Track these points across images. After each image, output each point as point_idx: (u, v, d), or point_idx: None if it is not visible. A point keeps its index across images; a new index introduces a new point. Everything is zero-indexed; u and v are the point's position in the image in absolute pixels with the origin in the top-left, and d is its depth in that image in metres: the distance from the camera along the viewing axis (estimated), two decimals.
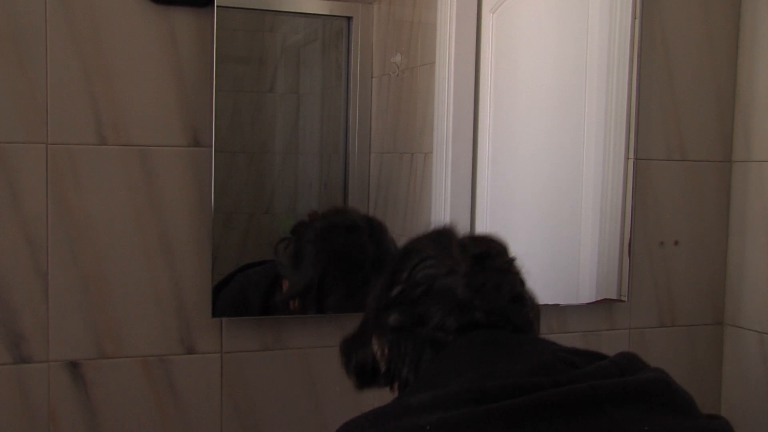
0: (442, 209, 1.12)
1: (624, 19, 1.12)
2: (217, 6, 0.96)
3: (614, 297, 1.17)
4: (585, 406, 0.54)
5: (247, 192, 1.05)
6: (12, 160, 0.91)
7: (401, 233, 1.12)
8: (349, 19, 1.09)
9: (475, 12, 1.16)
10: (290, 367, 1.04)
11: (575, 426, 0.52)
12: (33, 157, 0.92)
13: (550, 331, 1.14)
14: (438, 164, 1.12)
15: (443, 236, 0.73)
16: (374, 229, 1.02)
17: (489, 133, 1.16)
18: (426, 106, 1.12)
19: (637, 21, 1.12)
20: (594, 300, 1.17)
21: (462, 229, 0.75)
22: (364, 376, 0.74)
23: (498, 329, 0.67)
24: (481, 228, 1.13)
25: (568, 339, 1.16)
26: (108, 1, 0.93)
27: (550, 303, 1.13)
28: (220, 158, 0.99)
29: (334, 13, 1.09)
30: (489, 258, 0.69)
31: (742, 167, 1.20)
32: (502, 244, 0.73)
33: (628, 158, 1.14)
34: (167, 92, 0.96)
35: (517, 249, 0.75)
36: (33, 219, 0.92)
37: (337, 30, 1.09)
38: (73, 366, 0.95)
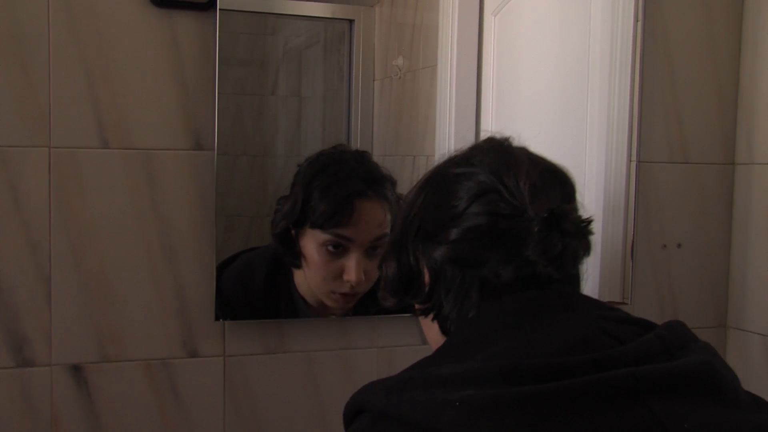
0: None
1: (626, 21, 1.12)
2: (220, 9, 0.96)
3: (617, 299, 1.17)
4: (622, 396, 0.49)
5: (249, 195, 1.05)
6: (15, 164, 0.91)
7: None
8: (350, 21, 1.09)
9: (477, 14, 1.16)
10: (293, 371, 1.04)
11: (610, 418, 0.48)
12: (36, 160, 0.92)
13: None
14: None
15: (507, 158, 0.63)
16: (360, 154, 1.01)
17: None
18: (428, 108, 1.12)
19: (639, 23, 1.12)
20: None
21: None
22: (398, 291, 0.66)
23: (548, 286, 0.60)
24: None
25: None
26: (110, 5, 0.93)
27: None
28: (222, 161, 0.99)
29: (335, 16, 1.09)
30: (566, 219, 0.59)
31: (744, 170, 1.19)
32: (574, 185, 0.65)
33: (630, 161, 1.14)
34: (169, 96, 0.96)
35: None
36: (36, 222, 0.92)
37: (338, 33, 1.09)
38: (76, 369, 0.95)
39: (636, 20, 1.12)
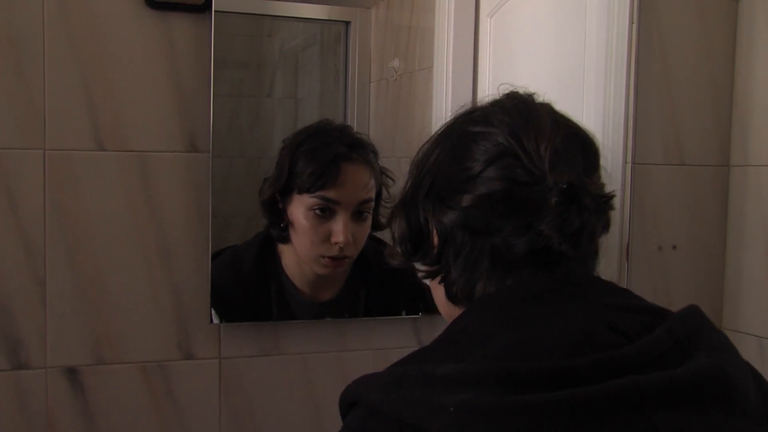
0: None
1: (621, 24, 1.12)
2: (215, 11, 0.96)
3: None
4: (624, 408, 0.46)
5: (245, 197, 1.05)
6: (10, 166, 0.91)
7: None
8: (347, 23, 1.09)
9: (473, 16, 1.16)
10: (288, 373, 1.04)
11: (611, 430, 0.45)
12: (31, 163, 0.92)
13: None
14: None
15: (529, 119, 0.58)
16: (344, 125, 1.02)
17: None
18: (424, 110, 1.12)
19: (635, 26, 1.13)
20: None
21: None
22: (409, 251, 0.63)
23: (562, 262, 0.57)
24: None
25: None
26: (105, 7, 0.93)
27: None
28: (218, 163, 0.99)
29: (332, 18, 1.09)
30: (587, 194, 0.55)
31: (739, 172, 1.20)
32: (596, 148, 0.61)
33: (626, 162, 1.14)
34: (165, 98, 0.96)
35: None
36: (31, 225, 0.92)
37: (335, 34, 1.09)
38: (71, 372, 0.95)
39: (631, 22, 1.12)
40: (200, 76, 0.97)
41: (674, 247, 1.20)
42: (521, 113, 0.59)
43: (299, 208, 0.97)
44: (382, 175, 1.02)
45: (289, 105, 1.08)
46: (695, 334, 0.53)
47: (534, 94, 0.62)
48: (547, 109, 0.61)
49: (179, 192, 0.97)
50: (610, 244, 1.16)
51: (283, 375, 1.04)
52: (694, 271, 1.21)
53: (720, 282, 1.23)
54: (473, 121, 0.61)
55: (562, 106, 1.22)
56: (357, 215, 0.99)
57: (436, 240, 0.61)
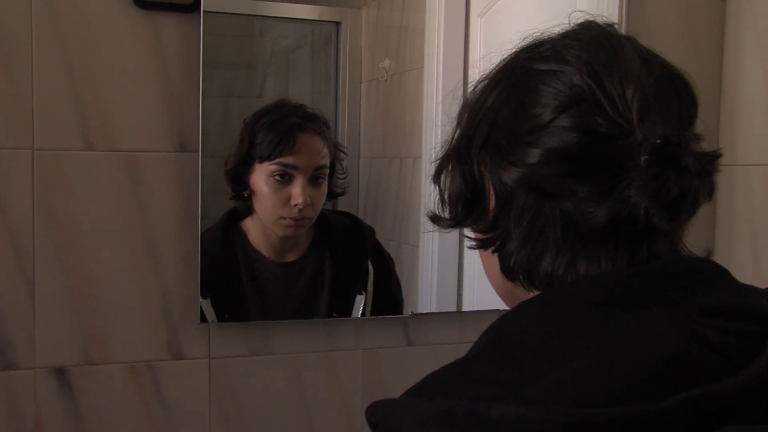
0: None
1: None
2: (204, 11, 0.96)
3: None
4: None
5: None
6: None
7: (390, 238, 1.12)
8: (337, 24, 1.09)
9: (464, 16, 1.17)
10: (278, 372, 1.04)
11: None
12: (19, 163, 0.91)
13: None
14: (427, 169, 1.12)
15: (613, 56, 0.47)
16: (300, 104, 1.07)
17: None
18: (415, 110, 1.13)
19: (623, 25, 1.13)
20: None
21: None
22: (460, 212, 0.53)
23: (647, 232, 0.45)
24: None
25: None
26: (94, 7, 0.93)
27: None
28: (209, 164, 0.99)
29: (322, 18, 1.09)
30: (687, 153, 0.44)
31: (727, 171, 1.20)
32: (695, 96, 0.50)
33: None
34: (154, 97, 0.96)
35: None
36: (19, 225, 0.92)
37: (325, 35, 1.10)
38: (60, 372, 0.95)
39: (620, 22, 1.13)
40: (189, 76, 0.97)
41: None
42: (603, 48, 0.48)
43: (260, 176, 1.03)
44: (335, 147, 1.08)
45: None
46: None
47: (615, 23, 0.51)
48: (633, 43, 0.49)
49: (168, 192, 0.97)
50: None
51: (272, 375, 1.04)
52: None
53: None
54: (541, 57, 0.49)
55: None
56: (313, 180, 1.04)
57: (493, 202, 0.50)
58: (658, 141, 0.44)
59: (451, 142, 0.53)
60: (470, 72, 1.17)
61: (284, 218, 1.04)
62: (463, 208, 0.53)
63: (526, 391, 0.40)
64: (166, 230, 0.97)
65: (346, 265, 1.10)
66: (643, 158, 0.44)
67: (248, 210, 1.05)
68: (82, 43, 0.93)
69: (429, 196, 0.57)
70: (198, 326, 1.00)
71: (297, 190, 1.02)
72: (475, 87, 0.53)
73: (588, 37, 0.49)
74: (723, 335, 0.42)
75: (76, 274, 0.94)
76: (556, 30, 0.51)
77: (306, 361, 1.05)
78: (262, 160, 1.02)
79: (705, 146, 0.47)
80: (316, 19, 1.09)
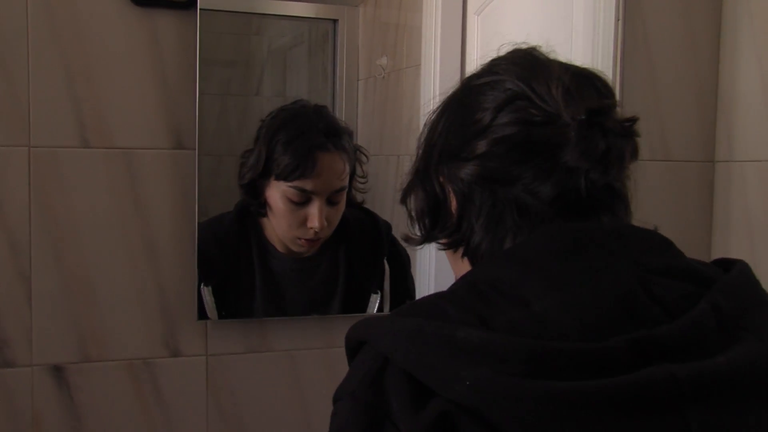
0: None
1: (607, 21, 1.13)
2: (201, 9, 0.96)
3: None
4: (658, 402, 0.43)
5: (234, 194, 1.05)
6: None
7: None
8: (335, 21, 1.09)
9: (460, 14, 1.17)
10: (276, 369, 1.04)
11: (641, 426, 0.42)
12: (16, 160, 0.91)
13: None
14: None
15: (533, 65, 0.56)
16: (319, 107, 1.04)
17: None
18: (412, 108, 1.13)
19: (620, 22, 1.13)
20: None
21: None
22: (427, 224, 0.59)
23: (594, 211, 0.53)
24: None
25: None
26: (90, 4, 0.93)
27: None
28: (207, 161, 0.99)
29: (320, 16, 1.10)
30: (608, 116, 0.52)
31: (724, 167, 1.21)
32: (611, 88, 0.57)
33: None
34: (150, 95, 0.96)
35: None
36: (16, 222, 0.92)
37: (323, 33, 1.10)
38: (57, 370, 0.94)
39: (617, 20, 1.13)
40: (186, 73, 0.97)
41: None
42: (528, 61, 0.57)
43: (276, 192, 1.00)
44: (356, 152, 1.05)
45: (277, 103, 1.08)
46: (742, 309, 0.48)
47: (537, 45, 0.59)
48: (553, 59, 0.59)
49: (165, 189, 0.97)
50: None
51: (270, 371, 1.04)
52: None
53: None
54: (477, 76, 0.58)
55: None
56: (331, 200, 1.02)
57: (454, 204, 0.57)
58: (582, 117, 0.51)
59: (414, 167, 0.60)
60: (467, 69, 1.18)
61: (299, 238, 1.02)
62: (430, 220, 0.59)
63: (491, 322, 0.47)
64: (163, 227, 0.97)
65: (361, 263, 1.08)
66: (572, 134, 0.51)
67: (263, 214, 1.03)
68: (78, 40, 0.93)
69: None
70: (195, 323, 0.99)
71: (314, 212, 0.99)
72: (427, 120, 0.60)
73: (515, 56, 0.58)
74: (664, 290, 0.48)
75: (72, 272, 0.94)
76: (489, 58, 0.60)
77: (303, 358, 1.05)
78: (278, 179, 0.99)
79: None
80: (314, 16, 1.09)
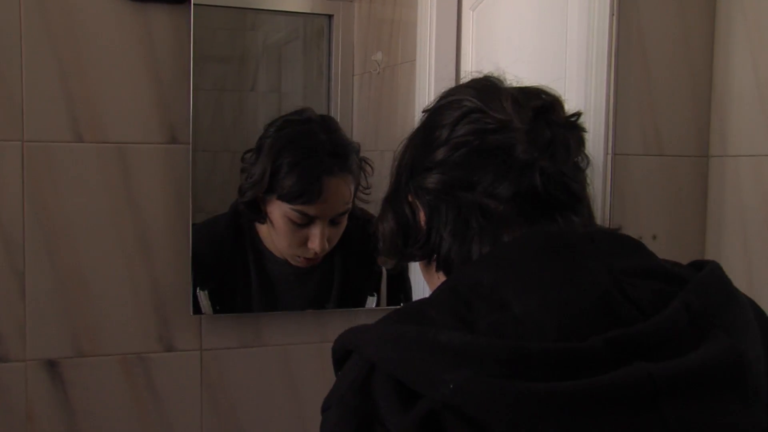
0: None
1: (602, 16, 1.13)
2: (195, 4, 0.96)
3: None
4: (635, 399, 0.44)
5: (230, 190, 1.05)
6: None
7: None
8: (330, 17, 1.09)
9: (455, 9, 1.17)
10: (270, 364, 1.04)
11: (619, 424, 0.44)
12: (9, 155, 0.91)
13: None
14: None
15: (487, 86, 0.62)
16: (326, 121, 1.02)
17: None
18: (407, 103, 1.13)
19: (615, 18, 1.13)
20: None
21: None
22: (397, 246, 0.63)
23: (556, 204, 0.56)
24: None
25: None
26: None
27: None
28: (202, 157, 0.99)
29: (315, 11, 1.10)
30: (552, 112, 0.58)
31: (718, 162, 1.21)
32: (558, 96, 0.62)
33: (606, 153, 1.15)
34: (144, 89, 0.96)
35: None
36: (9, 217, 0.91)
37: (318, 28, 1.09)
38: (51, 365, 0.94)
39: (611, 15, 1.13)
40: (180, 68, 0.97)
41: (654, 237, 1.20)
42: (480, 83, 0.63)
43: (277, 210, 0.99)
44: (362, 162, 1.04)
45: (272, 99, 1.08)
46: (713, 307, 0.50)
47: (490, 73, 0.65)
48: (502, 79, 0.64)
49: (159, 184, 0.97)
50: None
51: (264, 366, 1.04)
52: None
53: None
54: (436, 100, 0.64)
55: None
56: (334, 221, 1.01)
57: (423, 218, 0.60)
58: (531, 115, 0.57)
59: (384, 198, 0.65)
60: (462, 64, 1.18)
61: (299, 257, 1.01)
62: (402, 238, 0.62)
63: (474, 325, 0.48)
64: (158, 222, 0.97)
65: (357, 265, 1.07)
66: (523, 134, 0.56)
67: (262, 222, 1.02)
68: (71, 35, 0.92)
69: None
70: (190, 318, 0.99)
71: (316, 234, 0.98)
72: (395, 153, 0.65)
73: (470, 82, 0.64)
74: (638, 290, 0.50)
75: (66, 266, 0.94)
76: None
77: (298, 353, 1.05)
78: (281, 199, 0.97)
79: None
80: (309, 12, 1.09)
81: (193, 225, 0.99)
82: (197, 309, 0.99)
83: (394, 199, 0.63)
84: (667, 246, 1.22)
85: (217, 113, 1.03)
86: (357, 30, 1.09)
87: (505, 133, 0.57)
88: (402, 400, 0.46)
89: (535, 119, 0.57)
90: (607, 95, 1.14)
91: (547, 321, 0.48)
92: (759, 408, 0.48)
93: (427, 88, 1.14)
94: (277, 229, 0.99)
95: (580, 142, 0.60)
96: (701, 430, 0.45)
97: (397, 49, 1.12)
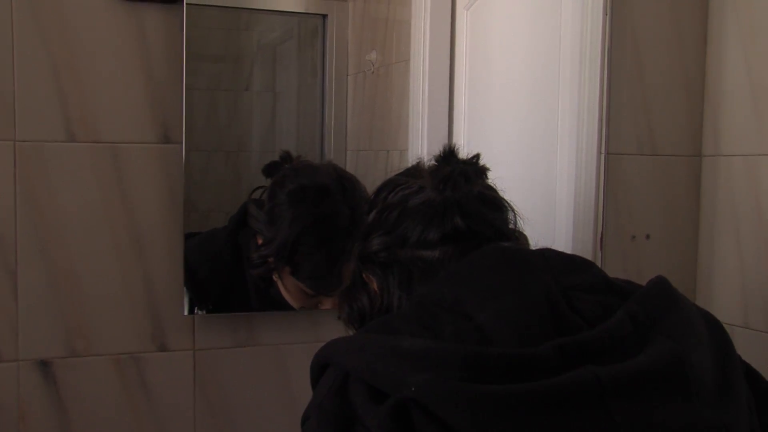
0: None
1: (595, 15, 1.13)
2: (187, 3, 0.96)
3: None
4: (584, 400, 0.49)
5: (223, 190, 1.05)
6: None
7: None
8: (324, 16, 1.09)
9: (450, 9, 1.17)
10: (263, 364, 1.04)
11: (570, 421, 0.48)
12: (1, 154, 0.91)
13: None
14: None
15: (413, 167, 0.73)
16: (347, 190, 1.00)
17: (463, 129, 1.17)
18: (401, 103, 1.13)
19: (608, 17, 1.13)
20: None
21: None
22: (364, 318, 0.70)
23: (483, 239, 0.63)
24: None
25: None
26: None
27: None
28: (196, 156, 0.99)
29: (309, 11, 1.10)
30: (453, 156, 0.69)
31: (711, 161, 1.21)
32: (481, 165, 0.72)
33: (600, 153, 1.15)
34: (137, 89, 0.96)
35: None
36: (1, 216, 0.91)
37: (312, 28, 1.10)
38: (44, 365, 0.94)
39: (605, 14, 1.13)
40: (173, 67, 0.97)
41: (648, 236, 1.21)
42: (405, 168, 0.73)
43: (290, 280, 1.00)
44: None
45: (267, 98, 1.08)
46: (656, 316, 0.55)
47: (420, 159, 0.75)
48: (424, 161, 0.74)
49: (152, 183, 0.97)
50: (584, 233, 1.17)
51: (257, 366, 1.04)
52: (667, 260, 1.22)
53: (693, 271, 1.24)
54: (373, 193, 0.73)
55: (536, 99, 1.23)
56: None
57: (375, 285, 0.68)
58: (436, 166, 0.68)
59: (349, 284, 0.72)
60: (456, 64, 1.18)
61: (305, 307, 1.03)
62: (368, 311, 0.69)
63: (439, 333, 0.54)
64: (150, 221, 0.97)
65: None
66: (428, 178, 0.67)
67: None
68: (63, 34, 0.92)
69: None
70: (183, 318, 0.99)
71: (328, 303, 1.01)
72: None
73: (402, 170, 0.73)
74: (583, 303, 0.56)
75: (59, 266, 0.94)
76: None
77: (291, 352, 1.05)
78: (295, 277, 0.97)
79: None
80: (303, 11, 1.09)
81: (189, 238, 0.97)
82: (190, 309, 0.99)
83: (351, 286, 0.71)
84: (661, 245, 1.22)
85: (212, 113, 1.03)
86: (351, 30, 1.09)
87: (423, 193, 0.66)
88: (375, 401, 0.50)
89: (438, 163, 0.68)
90: (601, 95, 1.14)
91: (503, 328, 0.53)
92: (701, 404, 0.52)
93: (422, 88, 1.14)
94: (289, 292, 1.01)
95: (479, 173, 0.69)
96: (645, 425, 0.49)
97: (392, 48, 1.12)
